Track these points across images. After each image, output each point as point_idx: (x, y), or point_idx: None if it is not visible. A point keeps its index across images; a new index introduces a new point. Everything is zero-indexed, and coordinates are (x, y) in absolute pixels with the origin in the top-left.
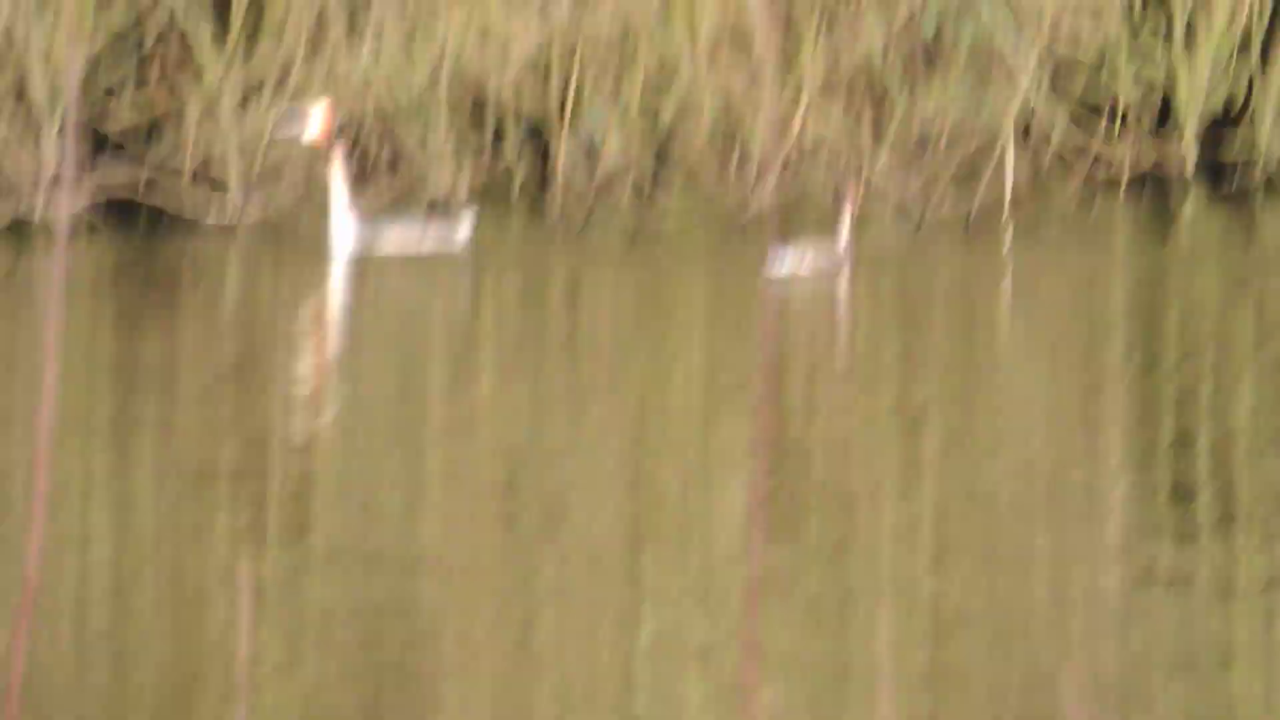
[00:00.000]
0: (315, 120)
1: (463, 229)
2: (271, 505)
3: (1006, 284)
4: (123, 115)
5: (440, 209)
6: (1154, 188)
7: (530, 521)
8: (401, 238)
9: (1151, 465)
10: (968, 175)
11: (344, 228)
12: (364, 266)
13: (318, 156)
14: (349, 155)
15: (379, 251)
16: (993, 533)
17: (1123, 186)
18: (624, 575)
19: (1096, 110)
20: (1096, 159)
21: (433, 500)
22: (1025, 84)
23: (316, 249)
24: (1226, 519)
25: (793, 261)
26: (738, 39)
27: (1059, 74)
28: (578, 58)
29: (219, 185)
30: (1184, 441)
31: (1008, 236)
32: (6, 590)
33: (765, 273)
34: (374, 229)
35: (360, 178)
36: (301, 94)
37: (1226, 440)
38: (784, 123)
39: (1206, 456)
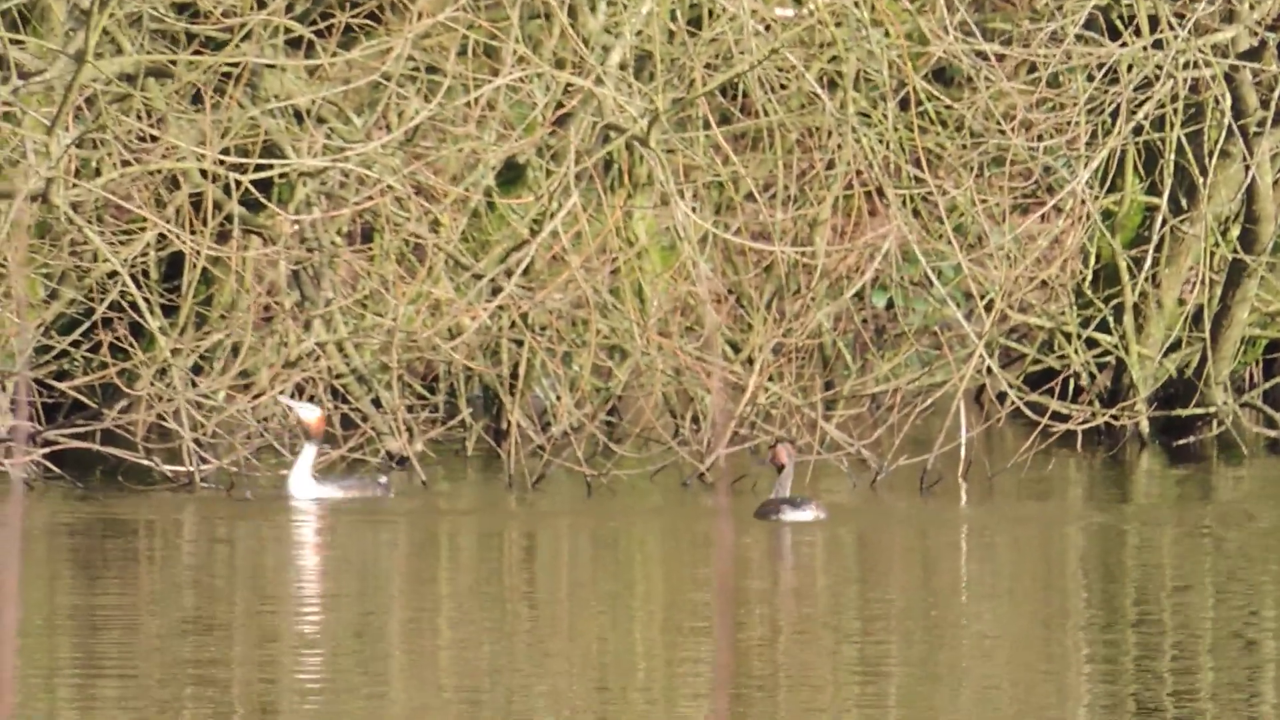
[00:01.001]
0: (312, 414)
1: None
2: None
3: (963, 536)
4: (76, 376)
5: (383, 467)
6: (1109, 441)
7: None
8: (345, 491)
9: (1117, 715)
10: (922, 433)
11: (303, 485)
12: (320, 519)
13: (271, 418)
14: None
15: (329, 502)
16: None
17: (1079, 442)
18: None
19: (1051, 373)
20: (1052, 416)
21: None
22: (977, 355)
23: (272, 501)
24: None
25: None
26: (687, 311)
27: (1011, 341)
28: (529, 330)
29: (174, 438)
30: (1146, 690)
31: (964, 491)
32: None
33: (719, 522)
34: (325, 485)
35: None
36: (253, 363)
37: (1191, 696)
38: (734, 388)
39: (1172, 708)
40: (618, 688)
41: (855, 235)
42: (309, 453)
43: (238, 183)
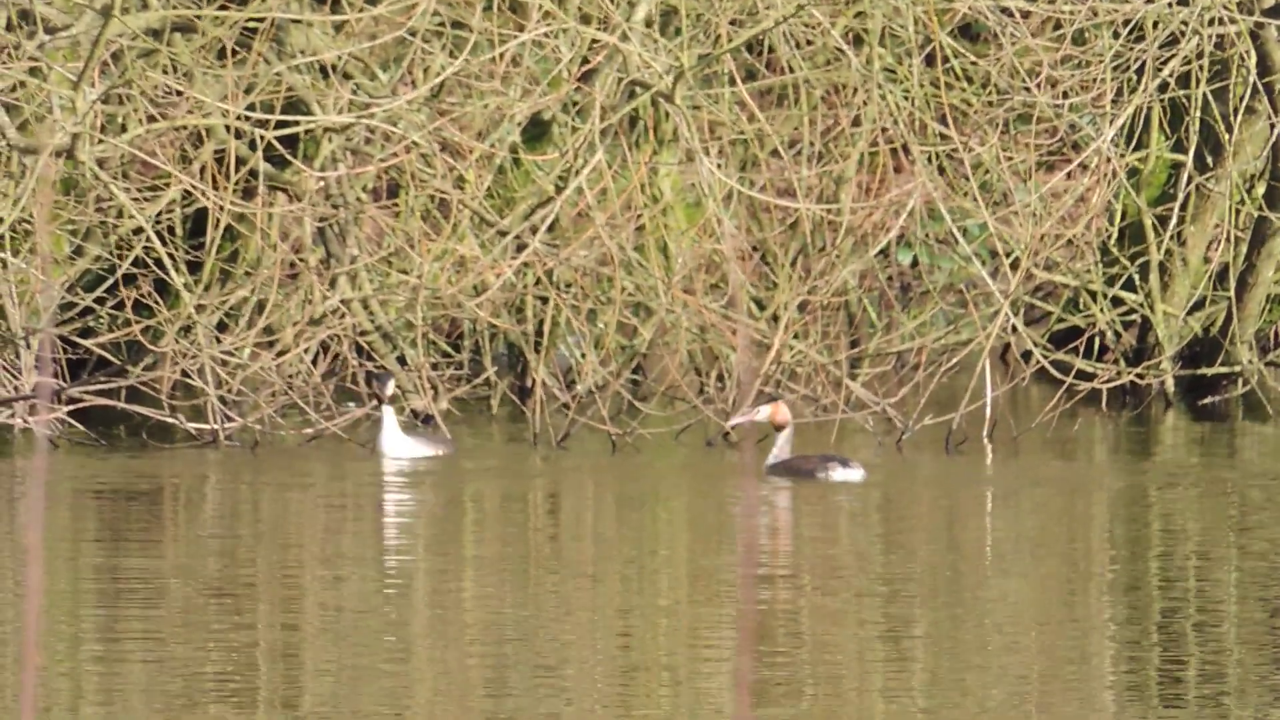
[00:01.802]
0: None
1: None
2: (260, 709)
3: (988, 495)
4: (100, 333)
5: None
6: (1134, 400)
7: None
8: (433, 448)
9: (1141, 677)
10: (948, 392)
11: (395, 444)
12: (344, 478)
13: (295, 375)
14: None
15: (418, 459)
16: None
17: (1103, 401)
18: None
19: (1076, 332)
20: (1077, 375)
21: (422, 704)
22: (1003, 313)
23: (296, 457)
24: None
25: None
26: (712, 268)
27: (1037, 299)
28: (554, 288)
29: (198, 395)
30: (1171, 648)
31: (989, 450)
32: None
33: (743, 478)
34: (415, 442)
35: (340, 393)
36: (278, 320)
37: (1215, 659)
38: (760, 346)
39: (1196, 669)
40: (641, 647)
41: (880, 192)
42: (389, 413)
43: (263, 139)
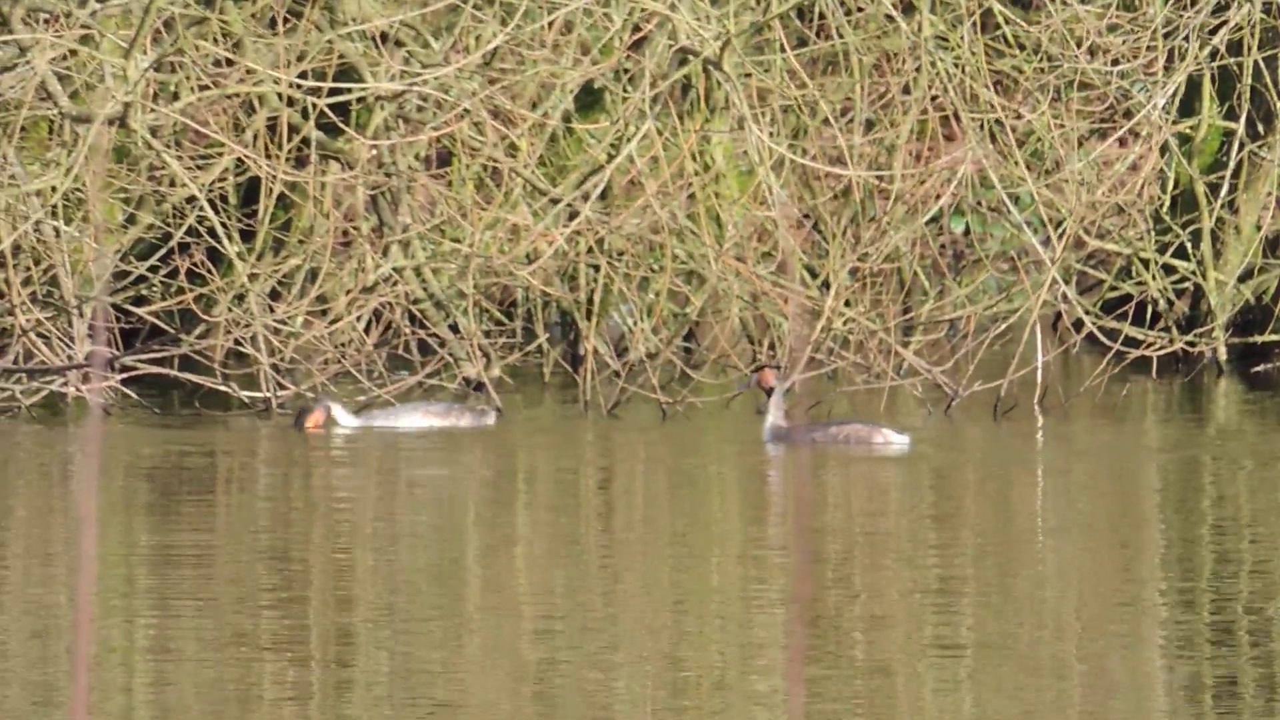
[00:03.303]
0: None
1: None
2: (314, 671)
3: (1038, 463)
4: (154, 302)
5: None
6: (1186, 368)
7: (568, 697)
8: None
9: (1192, 641)
10: (999, 359)
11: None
12: (396, 441)
13: (348, 344)
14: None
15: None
16: (1036, 703)
17: (1155, 369)
18: None
19: (1129, 300)
20: (1129, 342)
21: (472, 669)
22: (1050, 279)
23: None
24: (1269, 690)
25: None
26: (764, 236)
27: (1089, 268)
28: (605, 256)
29: (251, 364)
30: (1222, 614)
31: (1039, 417)
32: None
33: (794, 449)
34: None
35: (393, 361)
36: (330, 288)
37: (1266, 623)
38: (812, 314)
39: (1246, 634)
40: (694, 614)
41: (931, 160)
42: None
43: (315, 107)
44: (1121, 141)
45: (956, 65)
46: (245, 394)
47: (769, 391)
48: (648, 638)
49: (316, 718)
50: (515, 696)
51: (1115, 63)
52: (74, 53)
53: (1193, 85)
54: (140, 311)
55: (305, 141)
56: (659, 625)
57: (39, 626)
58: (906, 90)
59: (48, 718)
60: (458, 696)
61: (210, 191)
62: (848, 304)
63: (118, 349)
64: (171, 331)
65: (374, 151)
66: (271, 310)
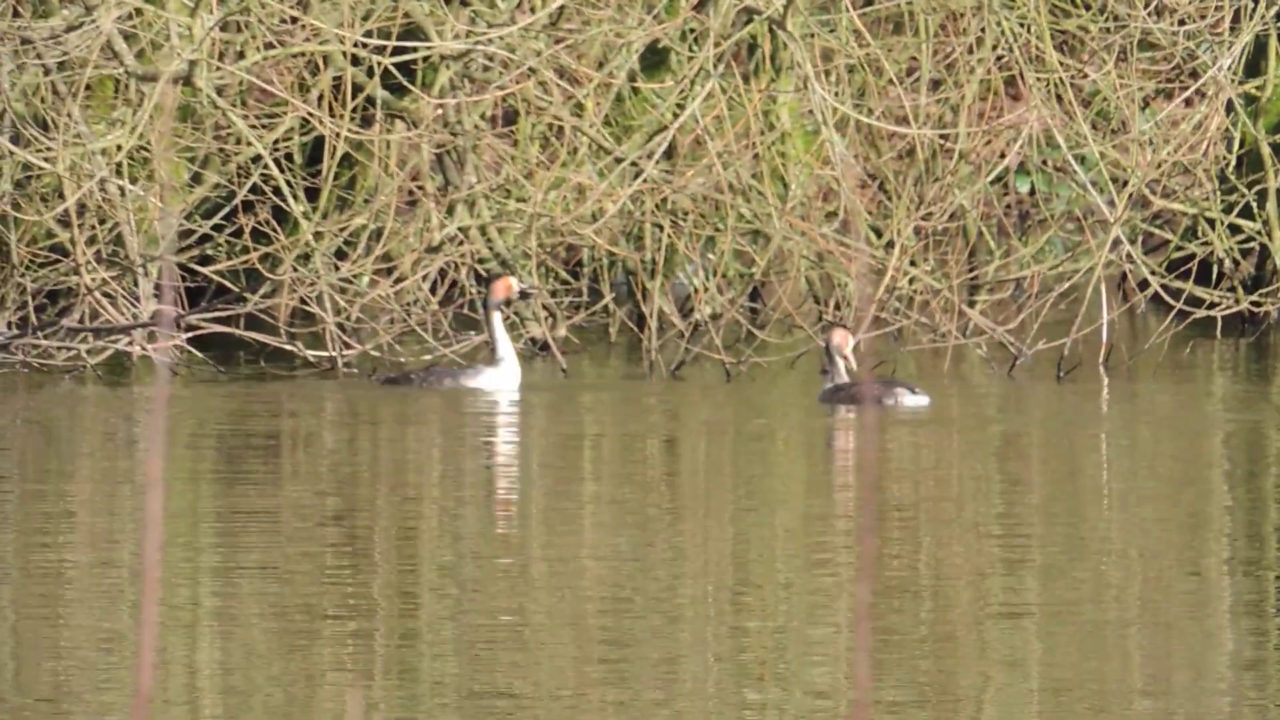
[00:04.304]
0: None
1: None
2: (379, 645)
3: (1103, 424)
4: (219, 261)
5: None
6: (1251, 328)
7: (634, 665)
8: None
9: (1260, 607)
10: (1065, 319)
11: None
12: (464, 402)
13: (414, 303)
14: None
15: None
16: (1100, 672)
17: (1220, 328)
18: (728, 710)
19: (1192, 257)
20: (1194, 302)
21: (539, 638)
22: (1112, 236)
23: (412, 388)
24: None
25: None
26: (830, 195)
27: (1154, 227)
28: (670, 215)
29: (317, 323)
30: None
31: (1104, 377)
32: None
33: (862, 410)
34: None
35: (458, 320)
36: (395, 247)
37: None
38: (876, 272)
39: None
40: (757, 581)
41: (995, 119)
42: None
43: (380, 65)
44: (1188, 102)
45: (1022, 25)
46: (311, 353)
47: (833, 354)
48: (711, 604)
49: (380, 687)
50: (580, 665)
51: (1182, 23)
52: (139, 11)
53: (1259, 45)
54: (206, 270)
55: (370, 101)
56: (722, 590)
57: (106, 589)
58: (971, 50)
59: (113, 680)
60: (521, 669)
61: (275, 150)
62: (913, 263)
63: (183, 308)
64: (236, 291)
65: (439, 110)
66: (336, 269)
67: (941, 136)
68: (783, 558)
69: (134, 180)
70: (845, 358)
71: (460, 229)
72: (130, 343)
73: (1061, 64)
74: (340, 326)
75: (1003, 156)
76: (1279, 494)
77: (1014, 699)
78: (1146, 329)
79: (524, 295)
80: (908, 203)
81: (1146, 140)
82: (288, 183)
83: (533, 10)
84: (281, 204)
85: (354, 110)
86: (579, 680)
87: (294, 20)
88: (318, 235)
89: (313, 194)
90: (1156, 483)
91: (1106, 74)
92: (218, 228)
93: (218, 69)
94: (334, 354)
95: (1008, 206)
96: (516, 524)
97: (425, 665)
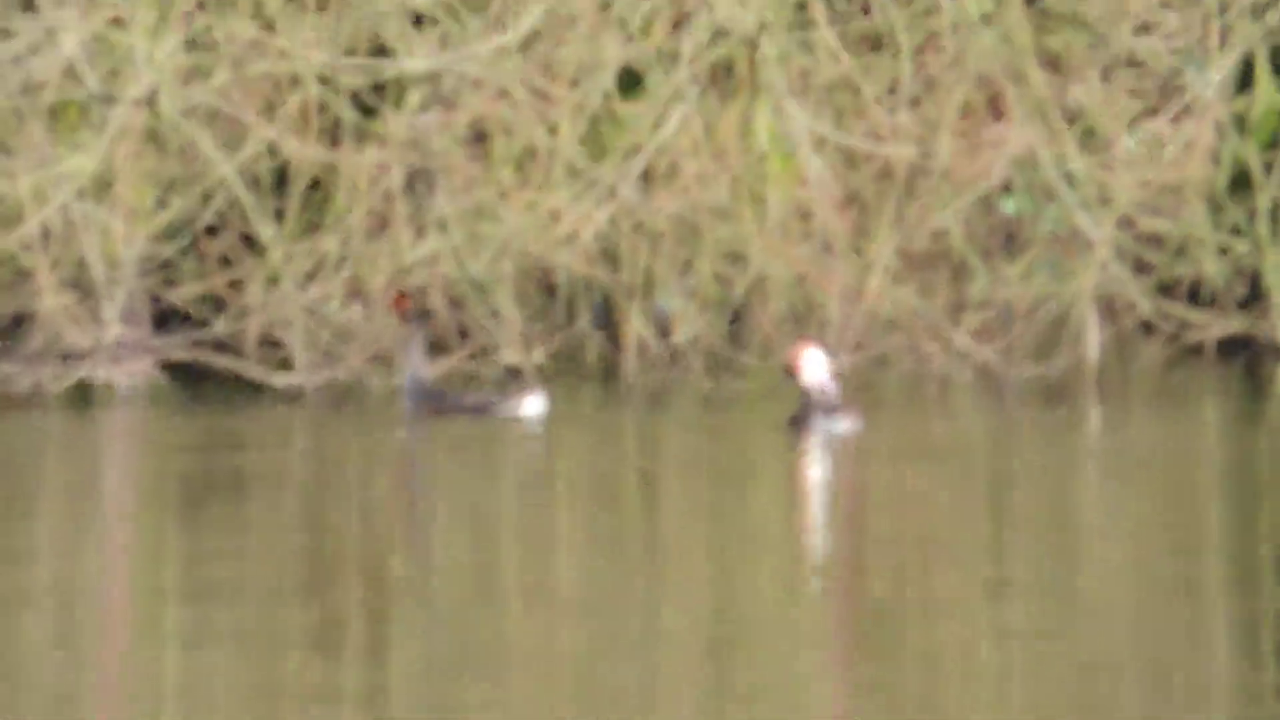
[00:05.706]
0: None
1: (532, 405)
2: (347, 666)
3: (1092, 447)
4: (185, 286)
5: (512, 381)
6: (1244, 351)
7: (615, 701)
8: (471, 407)
9: (1253, 630)
10: (1050, 341)
11: (416, 394)
12: (435, 430)
13: (385, 324)
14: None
15: (447, 417)
16: (1089, 700)
17: (1207, 351)
18: None
19: (1181, 280)
20: (1182, 325)
21: (514, 664)
22: (1099, 255)
23: (385, 412)
24: None
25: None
26: (807, 216)
27: (1142, 248)
28: (647, 238)
29: (284, 348)
30: None
31: (1093, 399)
32: None
33: (843, 435)
34: (444, 397)
35: (433, 347)
36: (366, 270)
37: None
38: (857, 295)
39: None
40: (734, 615)
41: (977, 139)
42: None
43: (349, 87)
44: (1176, 118)
45: (1004, 41)
46: (279, 378)
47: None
48: (689, 629)
49: (349, 715)
50: (553, 692)
51: (1167, 39)
52: (103, 36)
53: (1248, 63)
54: (173, 295)
55: (340, 122)
56: (700, 614)
57: (68, 619)
58: (952, 67)
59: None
60: (497, 693)
61: (243, 173)
62: (895, 284)
63: (149, 333)
64: (204, 316)
65: (410, 132)
66: (305, 292)
67: (922, 155)
68: (759, 599)
69: (99, 204)
70: (805, 376)
71: (432, 252)
72: (96, 367)
73: (1043, 82)
74: (309, 351)
75: (986, 177)
76: (1271, 520)
77: None
78: (1136, 350)
79: (423, 316)
80: (888, 223)
81: (1131, 159)
82: (256, 207)
83: (504, 30)
84: (246, 230)
85: (322, 132)
86: (552, 715)
87: (259, 43)
88: (286, 258)
89: (284, 218)
90: (1147, 509)
91: (1089, 91)
92: (184, 251)
93: (182, 91)
94: (302, 380)
95: (993, 228)
96: (488, 548)
97: (394, 697)
